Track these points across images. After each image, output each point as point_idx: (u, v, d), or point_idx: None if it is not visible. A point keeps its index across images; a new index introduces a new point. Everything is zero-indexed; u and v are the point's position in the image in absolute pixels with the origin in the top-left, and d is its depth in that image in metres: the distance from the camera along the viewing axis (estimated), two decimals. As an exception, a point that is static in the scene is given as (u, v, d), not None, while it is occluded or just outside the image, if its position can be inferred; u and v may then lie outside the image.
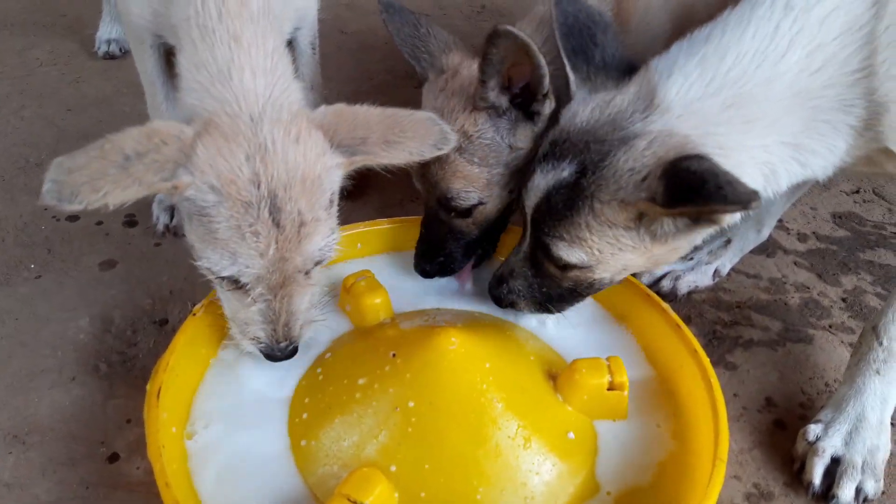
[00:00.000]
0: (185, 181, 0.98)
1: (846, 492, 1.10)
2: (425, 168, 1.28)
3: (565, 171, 1.09)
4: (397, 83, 2.15)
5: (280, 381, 1.19)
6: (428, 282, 1.40)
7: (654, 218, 1.06)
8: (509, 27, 1.12)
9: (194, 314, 1.19)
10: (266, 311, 1.09)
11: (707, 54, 1.05)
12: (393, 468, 1.02)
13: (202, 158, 0.98)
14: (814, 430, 1.17)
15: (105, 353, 1.28)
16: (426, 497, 1.00)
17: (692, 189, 0.96)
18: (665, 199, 0.99)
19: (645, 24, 1.33)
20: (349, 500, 0.92)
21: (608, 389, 1.14)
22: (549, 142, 1.14)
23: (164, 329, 1.34)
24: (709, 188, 0.93)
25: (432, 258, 1.34)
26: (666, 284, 1.51)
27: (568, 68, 1.16)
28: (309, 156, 1.03)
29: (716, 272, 1.55)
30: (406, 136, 1.08)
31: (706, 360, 1.17)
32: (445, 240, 1.33)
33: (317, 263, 1.11)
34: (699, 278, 1.53)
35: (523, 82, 1.22)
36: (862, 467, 1.12)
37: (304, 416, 1.13)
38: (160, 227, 1.53)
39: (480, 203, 1.29)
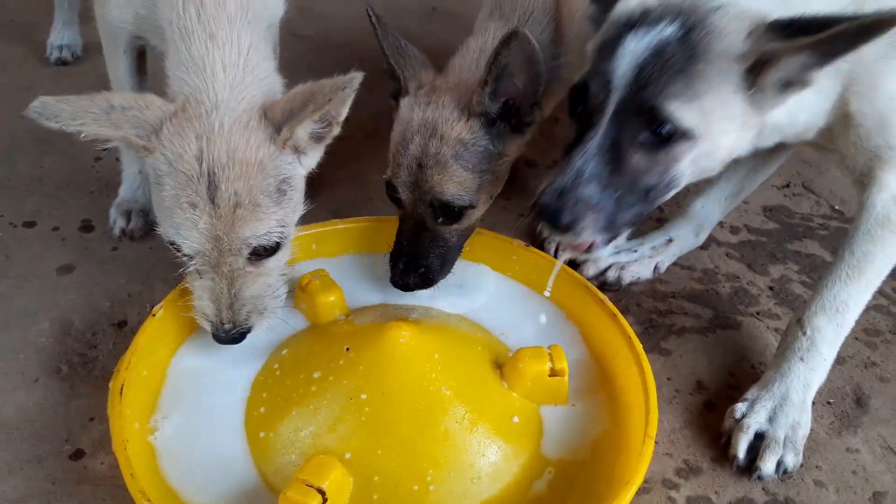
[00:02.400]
0: (153, 145, 1.10)
1: (768, 464, 1.20)
2: (419, 175, 1.32)
3: (668, 30, 1.06)
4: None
5: (237, 377, 1.25)
6: (380, 278, 1.47)
7: (770, 64, 1.05)
8: (527, 31, 1.20)
9: (154, 315, 1.24)
10: (212, 289, 1.17)
11: None
12: (348, 455, 1.08)
13: (165, 133, 1.10)
14: (740, 408, 1.26)
15: (66, 355, 1.31)
16: (379, 481, 1.07)
17: (820, 23, 0.98)
18: (791, 29, 1.00)
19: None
20: (307, 484, 0.98)
21: (550, 376, 1.23)
22: (631, 13, 1.11)
23: (122, 331, 1.38)
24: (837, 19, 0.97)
25: (415, 270, 1.37)
26: (611, 275, 1.61)
27: None
28: (252, 141, 1.12)
29: (656, 267, 1.64)
30: (321, 91, 1.13)
31: (639, 346, 1.26)
32: (428, 250, 1.37)
33: (257, 252, 1.17)
34: (641, 270, 1.63)
35: (510, 95, 1.30)
36: (784, 442, 1.22)
37: (262, 409, 1.19)
38: (116, 231, 1.57)
39: (471, 206, 1.35)
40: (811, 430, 1.27)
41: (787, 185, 2.04)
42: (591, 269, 1.60)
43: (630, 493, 1.02)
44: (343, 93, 1.11)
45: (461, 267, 1.48)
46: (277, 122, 1.14)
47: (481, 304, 1.47)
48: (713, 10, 1.06)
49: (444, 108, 1.33)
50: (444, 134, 1.31)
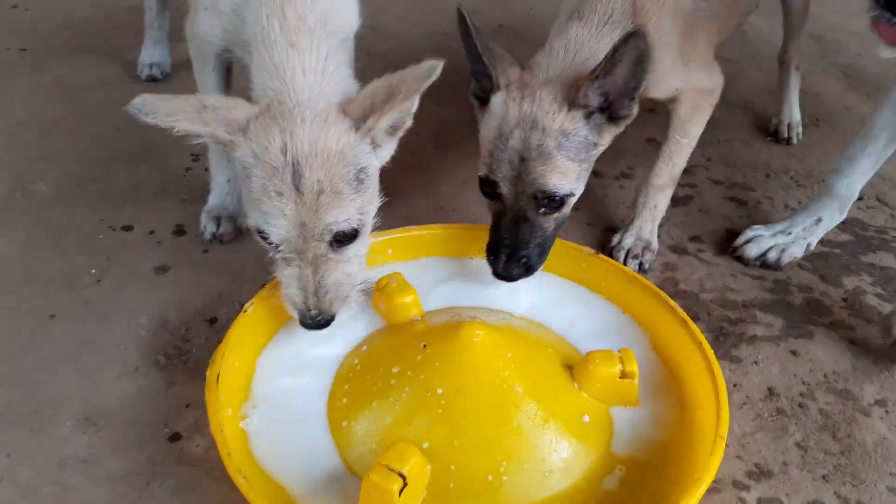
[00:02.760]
0: (239, 140, 1.20)
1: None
2: (521, 168, 1.38)
3: None
4: (423, 102, 2.30)
5: (321, 371, 1.32)
6: (452, 284, 1.53)
7: None
8: (645, 30, 1.27)
9: (245, 311, 1.32)
10: (298, 276, 1.25)
11: None
12: (425, 445, 1.14)
13: (252, 130, 1.21)
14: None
15: (163, 348, 1.41)
16: (455, 469, 1.12)
17: None
18: None
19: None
20: (388, 468, 1.04)
21: (620, 378, 1.26)
22: None
23: (214, 327, 1.47)
24: None
25: (517, 261, 1.43)
26: (772, 255, 1.72)
27: None
28: (332, 133, 1.22)
29: (808, 246, 1.74)
30: (404, 80, 1.21)
31: (710, 350, 1.28)
32: (529, 240, 1.43)
33: (339, 238, 1.25)
34: (795, 250, 1.73)
35: (611, 88, 1.36)
36: None
37: (344, 401, 1.26)
38: (207, 235, 1.67)
39: (571, 194, 1.42)
40: (884, 437, 1.28)
41: (861, 199, 2.01)
42: (753, 251, 1.73)
43: (701, 490, 1.04)
44: (429, 80, 1.19)
45: (536, 276, 1.53)
46: (357, 115, 1.23)
47: (551, 310, 1.51)
48: None
49: (543, 102, 1.38)
50: (545, 126, 1.37)
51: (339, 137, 1.22)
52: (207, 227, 1.68)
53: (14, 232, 1.69)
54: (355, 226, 1.25)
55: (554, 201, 1.40)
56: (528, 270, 1.44)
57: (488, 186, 1.44)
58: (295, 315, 1.28)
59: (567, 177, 1.39)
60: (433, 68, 1.19)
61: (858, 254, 1.80)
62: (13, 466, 1.18)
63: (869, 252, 1.82)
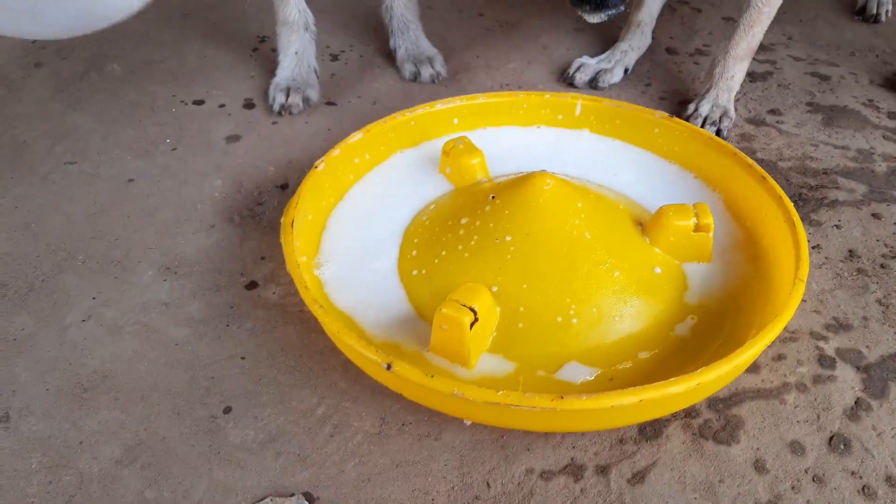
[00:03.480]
0: None
1: None
2: None
3: None
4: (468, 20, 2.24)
5: (391, 228, 1.33)
6: (520, 150, 1.51)
7: None
8: None
9: (317, 167, 1.33)
10: None
11: None
12: (495, 288, 1.14)
13: None
14: None
15: (237, 208, 1.44)
16: (525, 311, 1.12)
17: None
18: None
19: None
20: (460, 303, 1.05)
21: (694, 231, 1.23)
22: None
23: (285, 192, 1.49)
24: None
25: None
26: (601, 79, 1.85)
27: None
28: None
29: (626, 70, 1.89)
30: None
31: (790, 204, 1.24)
32: None
33: None
34: (615, 76, 1.87)
35: None
36: None
37: (414, 252, 1.27)
38: (276, 106, 1.68)
39: None
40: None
41: (957, 74, 1.90)
42: (585, 76, 1.86)
43: (779, 326, 1.01)
44: None
45: (603, 143, 1.50)
46: None
47: (623, 176, 1.47)
48: None
49: None
50: None
51: None
52: (276, 98, 1.69)
53: (90, 105, 1.73)
54: None
55: None
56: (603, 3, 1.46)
57: None
58: None
59: None
60: None
61: (951, 127, 1.70)
62: (97, 308, 1.23)
63: (963, 125, 1.71)
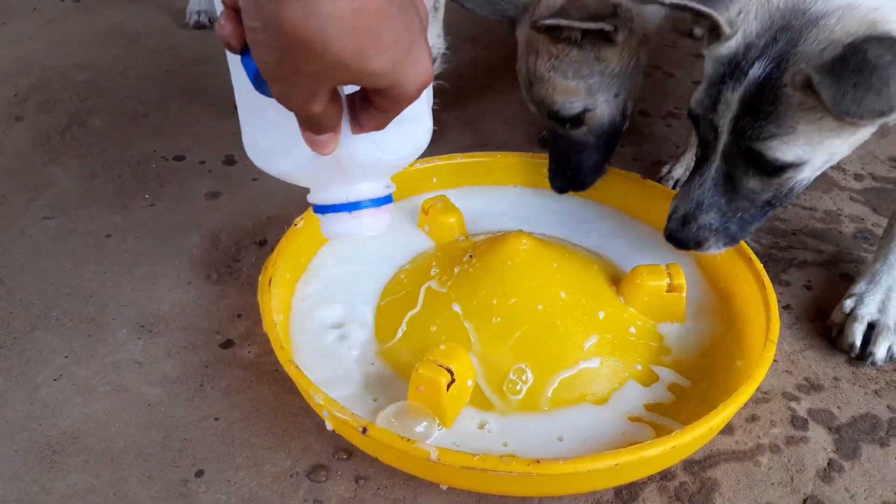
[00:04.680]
0: None
1: (881, 350, 1.24)
2: (531, 92, 1.44)
3: (759, 71, 1.08)
4: (464, 43, 2.30)
5: (368, 283, 1.34)
6: (496, 209, 1.54)
7: None
8: None
9: (296, 224, 1.34)
10: None
11: None
12: (474, 348, 1.15)
13: None
14: (849, 303, 1.30)
15: (214, 265, 1.44)
16: (500, 371, 1.13)
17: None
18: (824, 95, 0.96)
19: None
20: (437, 364, 1.05)
21: (667, 292, 1.25)
22: (727, 61, 1.12)
23: (263, 248, 1.49)
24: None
25: (563, 174, 1.48)
26: None
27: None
28: None
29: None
30: None
31: (759, 264, 1.26)
32: (569, 153, 1.46)
33: None
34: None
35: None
36: (894, 329, 1.26)
37: (391, 310, 1.27)
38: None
39: (587, 110, 1.41)
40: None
41: (918, 138, 1.97)
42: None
43: (751, 388, 1.03)
44: None
45: (578, 203, 1.54)
46: None
47: (594, 235, 1.50)
48: (808, 27, 1.04)
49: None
50: (538, 49, 1.39)
51: None
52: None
53: (71, 159, 1.74)
54: None
55: (569, 119, 1.42)
56: (577, 183, 1.48)
57: (529, 107, 1.50)
58: None
59: (571, 94, 1.39)
60: None
61: (914, 189, 1.76)
62: (70, 367, 1.22)
63: (925, 188, 1.77)
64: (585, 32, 1.34)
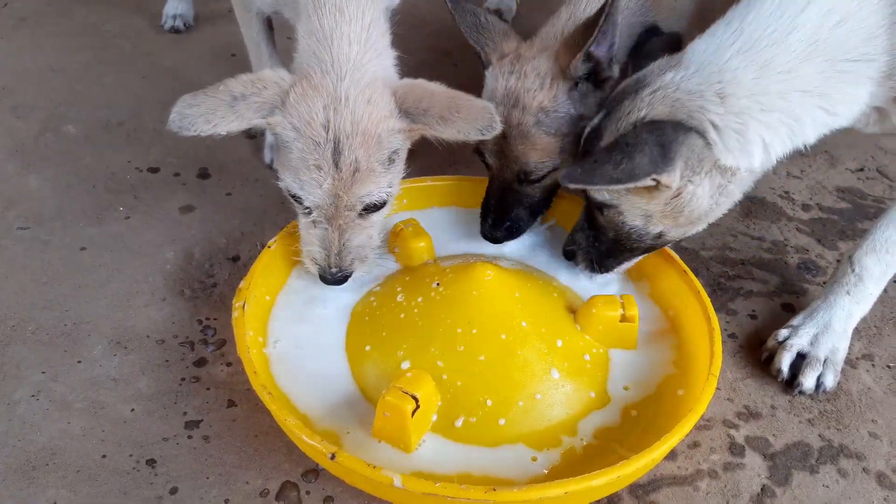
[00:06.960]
0: (277, 120, 1.21)
1: (809, 380, 1.34)
2: (503, 144, 1.42)
3: (596, 119, 1.29)
4: (437, 60, 2.35)
5: (339, 305, 1.40)
6: (464, 230, 1.60)
7: None
8: None
9: (269, 247, 1.40)
10: (323, 237, 1.30)
11: (733, 17, 1.19)
12: (442, 375, 1.21)
13: (291, 102, 1.20)
14: (784, 332, 1.41)
15: (188, 281, 1.49)
16: (464, 397, 1.20)
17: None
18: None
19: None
20: (402, 391, 1.12)
21: (621, 321, 1.33)
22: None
23: (236, 264, 1.54)
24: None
25: (501, 225, 1.49)
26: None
27: None
28: (374, 116, 1.23)
29: None
30: (459, 117, 1.24)
31: (706, 298, 1.35)
32: (513, 206, 1.48)
33: (367, 208, 1.30)
34: None
35: (601, 52, 1.36)
36: (824, 362, 1.36)
37: (360, 334, 1.33)
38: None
39: (555, 168, 1.44)
40: (869, 388, 1.35)
41: (862, 169, 2.08)
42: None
43: (692, 421, 1.12)
44: (482, 135, 1.24)
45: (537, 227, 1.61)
46: (407, 107, 1.25)
47: (557, 264, 1.57)
48: (631, 94, 1.25)
49: (527, 78, 1.39)
50: (525, 104, 1.38)
51: (379, 121, 1.23)
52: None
53: (45, 170, 1.77)
54: (384, 198, 1.31)
55: (537, 177, 1.45)
56: (513, 234, 1.50)
57: (480, 155, 1.50)
58: (314, 271, 1.34)
59: (548, 153, 1.41)
60: (491, 126, 1.24)
61: (855, 220, 1.86)
62: (48, 383, 1.26)
63: (865, 219, 1.87)
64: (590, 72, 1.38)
